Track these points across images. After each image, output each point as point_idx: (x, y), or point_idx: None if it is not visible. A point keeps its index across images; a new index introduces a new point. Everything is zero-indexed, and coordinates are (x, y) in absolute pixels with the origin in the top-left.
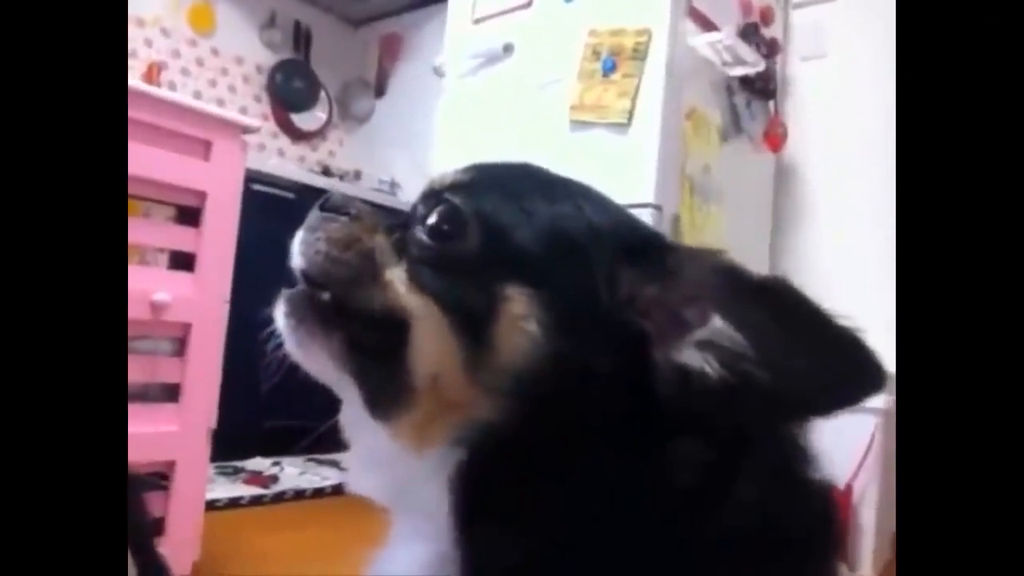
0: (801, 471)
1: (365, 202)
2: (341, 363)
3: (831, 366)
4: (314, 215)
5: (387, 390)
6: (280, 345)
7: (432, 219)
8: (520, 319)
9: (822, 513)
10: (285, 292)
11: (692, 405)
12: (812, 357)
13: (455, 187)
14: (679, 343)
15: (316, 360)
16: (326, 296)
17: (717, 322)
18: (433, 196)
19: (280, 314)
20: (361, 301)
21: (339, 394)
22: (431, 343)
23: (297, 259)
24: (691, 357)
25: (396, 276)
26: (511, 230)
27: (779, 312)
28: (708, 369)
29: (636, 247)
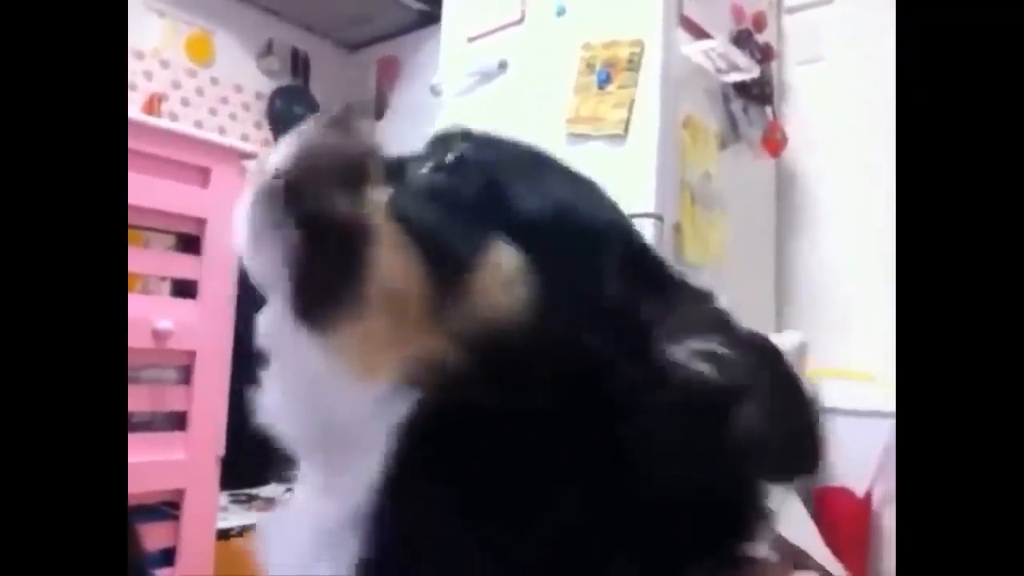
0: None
1: None
2: (287, 258)
3: (789, 436)
4: (312, 121)
5: (334, 293)
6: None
7: (435, 158)
8: (503, 279)
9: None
10: (254, 187)
11: (684, 400)
12: (778, 422)
13: (468, 137)
14: (676, 345)
15: (263, 252)
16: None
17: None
18: (441, 141)
19: (246, 204)
20: (331, 205)
21: (270, 298)
22: (393, 265)
23: (276, 156)
24: (688, 358)
25: (375, 195)
26: (516, 192)
27: (760, 368)
28: (707, 371)
29: (644, 256)
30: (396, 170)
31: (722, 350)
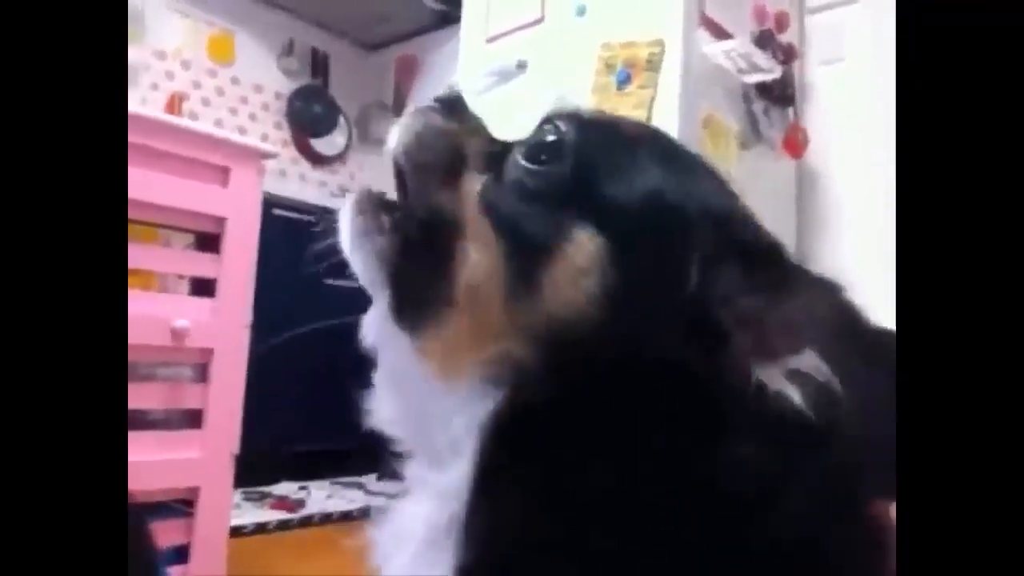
0: (856, 490)
1: None
2: (383, 261)
3: None
4: (425, 104)
5: (421, 295)
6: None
7: (533, 140)
8: (580, 267)
9: (871, 539)
10: (354, 194)
11: (763, 425)
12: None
13: (572, 117)
14: (766, 363)
15: (362, 256)
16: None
17: (813, 357)
18: (547, 120)
19: (345, 211)
20: (427, 197)
21: (374, 300)
22: (479, 259)
23: (393, 140)
24: (777, 381)
25: (470, 184)
26: (608, 176)
27: (885, 375)
28: (796, 399)
29: (750, 249)
30: (499, 153)
31: (824, 375)
